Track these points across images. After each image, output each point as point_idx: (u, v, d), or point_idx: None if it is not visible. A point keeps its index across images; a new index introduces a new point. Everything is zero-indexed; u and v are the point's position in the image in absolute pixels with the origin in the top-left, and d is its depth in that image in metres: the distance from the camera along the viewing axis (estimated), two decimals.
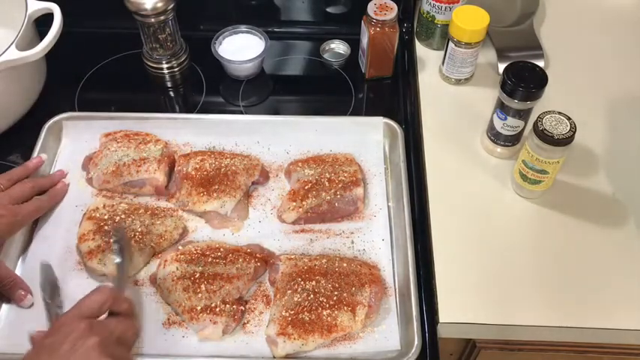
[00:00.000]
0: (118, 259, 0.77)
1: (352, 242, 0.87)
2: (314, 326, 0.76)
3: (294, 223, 0.88)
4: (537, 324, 0.78)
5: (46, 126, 0.96)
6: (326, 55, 1.14)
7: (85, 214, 0.87)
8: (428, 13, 1.06)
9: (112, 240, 0.80)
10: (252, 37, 1.10)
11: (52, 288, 0.78)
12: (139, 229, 0.84)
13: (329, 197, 0.88)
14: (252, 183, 0.92)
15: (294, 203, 0.88)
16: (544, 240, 0.86)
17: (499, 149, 0.94)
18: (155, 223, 0.86)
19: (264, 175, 0.93)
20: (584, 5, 1.18)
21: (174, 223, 0.87)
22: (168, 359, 0.76)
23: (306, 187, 0.89)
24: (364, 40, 1.05)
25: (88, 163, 0.94)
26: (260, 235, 0.88)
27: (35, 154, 0.93)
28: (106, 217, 0.85)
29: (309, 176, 0.90)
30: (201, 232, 0.89)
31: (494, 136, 0.93)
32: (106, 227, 0.83)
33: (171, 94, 1.11)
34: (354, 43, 1.12)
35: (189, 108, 1.08)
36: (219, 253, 0.83)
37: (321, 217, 0.89)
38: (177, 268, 0.81)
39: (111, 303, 0.67)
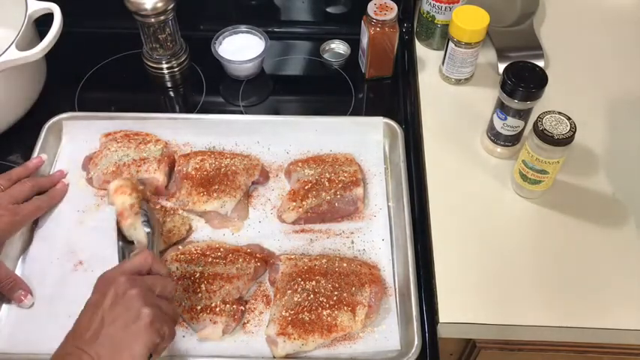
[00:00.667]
0: (147, 229, 0.77)
1: (352, 242, 0.87)
2: (314, 326, 0.76)
3: (294, 223, 0.88)
4: (537, 324, 0.78)
5: (46, 126, 0.96)
6: (326, 55, 1.14)
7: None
8: (428, 13, 1.06)
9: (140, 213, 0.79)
10: (252, 37, 1.10)
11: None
12: None
13: (329, 197, 0.88)
14: (252, 183, 0.92)
15: (294, 203, 0.88)
16: (544, 240, 0.86)
17: (499, 149, 0.94)
18: (165, 220, 0.87)
19: (264, 175, 0.93)
20: (584, 5, 1.18)
21: (182, 220, 0.88)
22: (167, 358, 0.76)
23: (306, 187, 0.89)
24: (364, 40, 1.05)
25: (88, 163, 0.94)
26: (260, 235, 0.88)
27: (35, 154, 0.93)
28: None
29: (309, 176, 0.90)
30: (202, 232, 0.89)
31: (494, 136, 0.93)
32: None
33: (171, 94, 1.11)
34: (354, 43, 1.12)
35: (189, 108, 1.08)
36: (219, 253, 0.83)
37: (321, 217, 0.89)
38: (177, 268, 0.81)
39: (150, 263, 0.69)
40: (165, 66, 1.09)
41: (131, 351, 0.62)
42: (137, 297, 0.64)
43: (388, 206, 0.91)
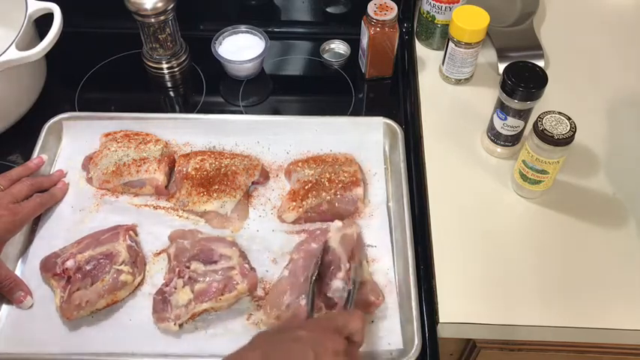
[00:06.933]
0: (350, 287, 0.77)
1: None
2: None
3: (294, 222, 0.88)
4: (537, 324, 0.79)
5: (46, 126, 0.96)
6: (326, 55, 1.14)
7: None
8: (428, 13, 1.06)
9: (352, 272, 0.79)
10: (252, 37, 1.10)
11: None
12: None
13: (329, 197, 0.88)
14: (252, 183, 0.92)
15: (294, 203, 0.88)
16: (544, 240, 0.86)
17: (499, 149, 0.94)
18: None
19: (264, 175, 0.93)
20: (584, 5, 1.18)
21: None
22: (167, 359, 0.76)
23: (306, 187, 0.89)
24: (364, 40, 1.05)
25: (88, 163, 0.94)
26: (260, 234, 0.88)
27: (35, 154, 0.93)
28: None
29: (309, 176, 0.90)
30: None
31: (494, 136, 0.93)
32: None
33: (171, 94, 1.11)
34: (354, 43, 1.12)
35: (189, 108, 1.08)
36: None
37: (321, 217, 0.89)
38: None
39: (357, 329, 0.65)
40: (165, 66, 1.09)
41: None
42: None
43: (388, 206, 0.91)
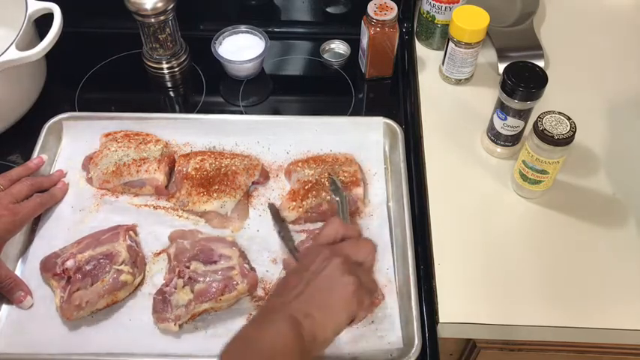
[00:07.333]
0: (337, 198, 0.87)
1: None
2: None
3: (294, 222, 0.88)
4: (537, 324, 0.79)
5: (46, 126, 0.96)
6: (326, 55, 1.14)
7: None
8: (428, 13, 1.06)
9: (330, 186, 0.89)
10: (252, 37, 1.10)
11: (280, 223, 0.86)
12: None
13: (329, 197, 0.88)
14: (253, 183, 0.92)
15: (294, 203, 0.88)
16: (544, 240, 0.86)
17: (499, 149, 0.94)
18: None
19: (265, 175, 0.93)
20: (584, 5, 1.18)
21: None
22: (167, 359, 0.76)
23: (306, 187, 0.89)
24: (364, 40, 1.05)
25: (88, 163, 0.94)
26: (260, 234, 0.88)
27: (35, 154, 0.93)
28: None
29: (309, 176, 0.90)
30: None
31: (494, 136, 0.93)
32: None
33: (172, 94, 1.11)
34: (354, 43, 1.12)
35: (189, 108, 1.08)
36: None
37: (322, 216, 0.89)
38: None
39: (343, 231, 0.71)
40: (165, 66, 1.09)
41: (335, 317, 0.63)
42: (340, 266, 0.65)
43: (388, 206, 0.91)
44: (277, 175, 0.95)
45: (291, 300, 0.63)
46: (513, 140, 0.92)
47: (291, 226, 0.89)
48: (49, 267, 0.81)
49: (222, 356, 0.59)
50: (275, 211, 0.88)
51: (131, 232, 0.85)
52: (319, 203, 0.88)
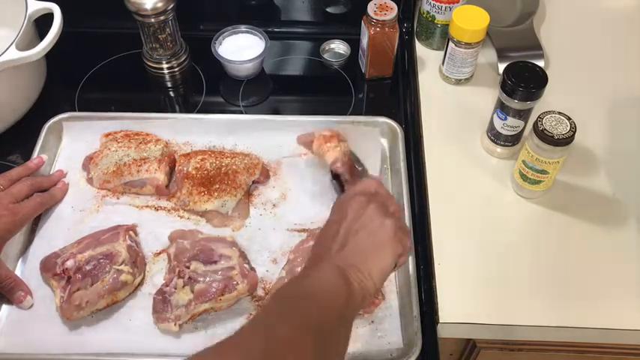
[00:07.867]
0: (360, 167, 0.91)
1: None
2: None
3: (333, 163, 0.89)
4: (537, 324, 0.79)
5: (46, 126, 0.96)
6: (326, 55, 1.14)
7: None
8: (428, 13, 1.06)
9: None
10: (252, 37, 1.10)
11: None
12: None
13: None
14: (253, 182, 0.92)
15: (331, 144, 0.90)
16: (544, 240, 0.86)
17: (499, 149, 0.94)
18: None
19: (265, 174, 0.93)
20: (584, 5, 1.18)
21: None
22: (167, 359, 0.76)
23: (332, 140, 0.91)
24: (364, 40, 1.05)
25: (89, 163, 0.94)
26: (261, 233, 0.88)
27: (35, 154, 0.93)
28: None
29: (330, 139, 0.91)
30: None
31: (494, 136, 0.93)
32: None
33: (172, 94, 1.11)
34: (354, 43, 1.12)
35: (189, 108, 1.08)
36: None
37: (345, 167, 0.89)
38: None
39: (376, 187, 0.71)
40: (165, 66, 1.09)
41: (379, 260, 0.64)
42: (378, 209, 0.66)
43: None
44: (277, 174, 0.95)
45: (333, 253, 0.64)
46: (513, 140, 0.92)
47: (291, 226, 0.89)
48: (49, 267, 0.81)
49: (274, 295, 0.60)
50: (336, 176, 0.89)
51: (131, 232, 0.85)
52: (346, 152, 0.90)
